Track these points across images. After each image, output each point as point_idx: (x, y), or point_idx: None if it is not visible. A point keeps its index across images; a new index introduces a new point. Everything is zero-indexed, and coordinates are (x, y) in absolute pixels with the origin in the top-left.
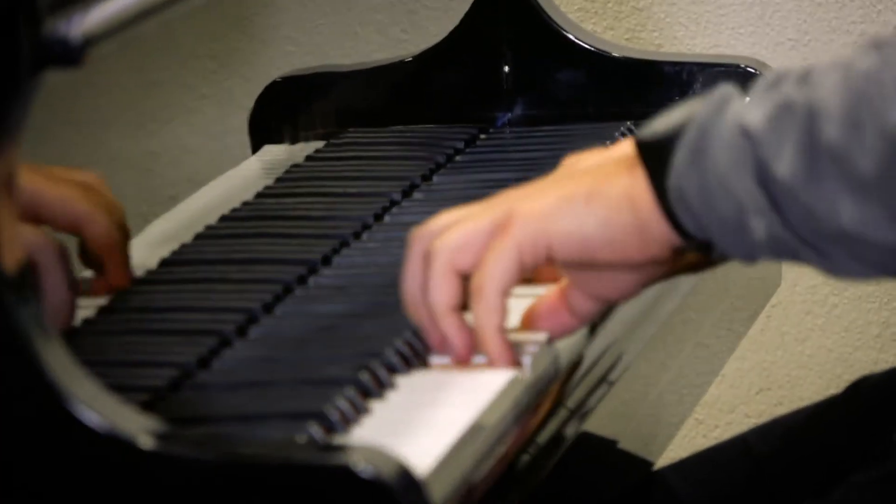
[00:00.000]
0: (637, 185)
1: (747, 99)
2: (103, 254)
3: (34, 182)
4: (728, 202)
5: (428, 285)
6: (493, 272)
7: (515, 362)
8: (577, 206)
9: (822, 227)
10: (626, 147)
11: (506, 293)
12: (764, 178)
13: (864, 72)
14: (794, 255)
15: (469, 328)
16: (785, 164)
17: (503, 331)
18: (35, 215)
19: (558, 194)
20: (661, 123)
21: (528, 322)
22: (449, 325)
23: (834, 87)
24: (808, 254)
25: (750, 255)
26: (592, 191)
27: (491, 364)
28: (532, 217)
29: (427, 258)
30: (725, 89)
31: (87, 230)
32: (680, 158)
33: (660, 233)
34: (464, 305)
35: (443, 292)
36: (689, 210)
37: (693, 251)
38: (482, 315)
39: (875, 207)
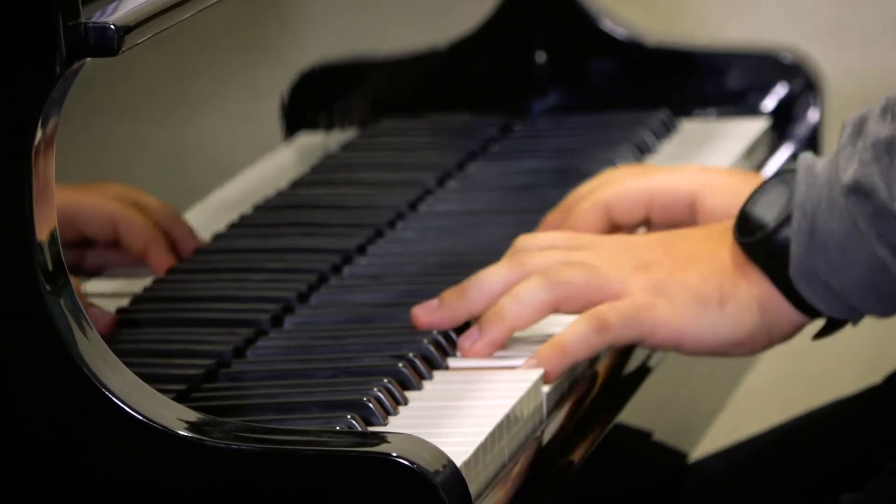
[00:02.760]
0: (759, 286)
1: (832, 155)
2: (145, 252)
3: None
4: (857, 269)
5: (525, 300)
6: (622, 328)
7: None
8: (712, 311)
9: None
10: (724, 230)
11: (607, 347)
12: (882, 230)
13: None
14: None
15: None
16: None
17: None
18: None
19: (692, 294)
20: (758, 216)
21: None
22: (497, 339)
23: None
24: None
25: (893, 307)
26: (724, 294)
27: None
28: (671, 312)
29: (541, 277)
30: (806, 159)
31: (123, 232)
32: (796, 246)
33: (786, 322)
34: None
35: (531, 317)
36: (822, 290)
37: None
38: (583, 344)
39: None
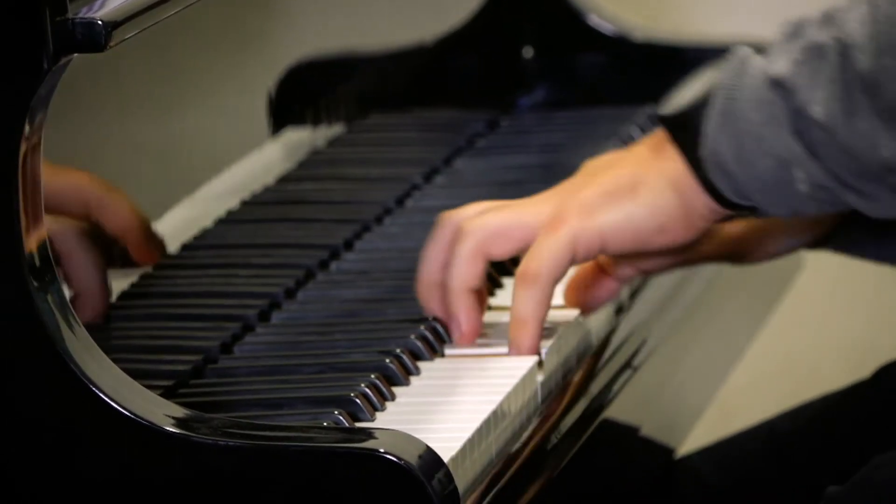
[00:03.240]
0: (673, 164)
1: (766, 53)
2: (123, 234)
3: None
4: (766, 160)
5: (453, 262)
6: (550, 262)
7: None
8: (625, 199)
9: (863, 166)
10: (650, 135)
11: (556, 284)
12: (799, 126)
13: (890, 2)
14: (837, 202)
15: (480, 314)
16: (820, 106)
17: (543, 324)
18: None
19: (601, 189)
20: (684, 98)
21: (575, 292)
22: (462, 305)
23: (861, 19)
24: (850, 197)
25: (793, 210)
26: (635, 180)
27: (518, 353)
28: (581, 212)
29: (457, 237)
30: (741, 51)
31: (101, 213)
32: (710, 126)
33: (703, 206)
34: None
35: (466, 271)
36: (727, 175)
37: (737, 217)
38: (532, 303)
39: None
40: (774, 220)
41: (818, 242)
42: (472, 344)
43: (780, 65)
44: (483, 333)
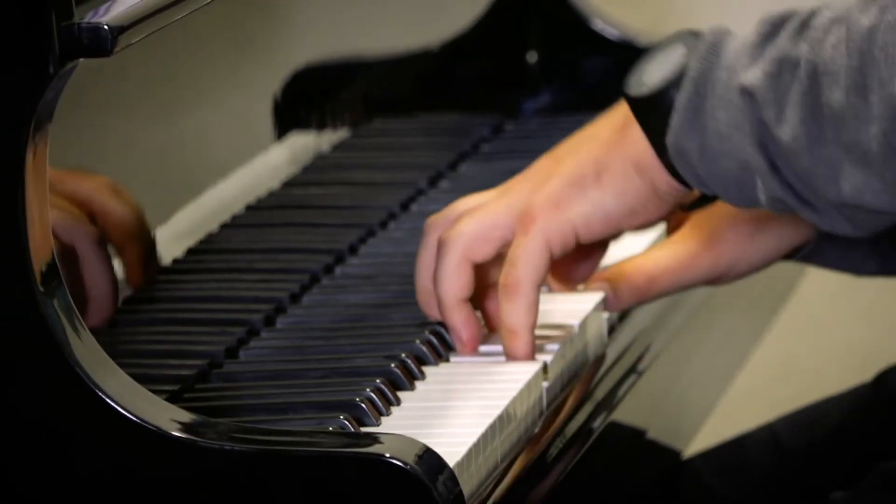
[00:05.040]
0: (637, 146)
1: (739, 43)
2: (123, 240)
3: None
4: (729, 161)
5: (440, 276)
6: (528, 268)
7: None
8: (590, 188)
9: (821, 192)
10: (614, 112)
11: (539, 288)
12: (764, 140)
13: (866, 31)
14: (792, 211)
15: (477, 320)
16: (786, 128)
17: (534, 329)
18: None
19: (566, 179)
20: (651, 74)
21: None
22: (457, 317)
23: (837, 45)
24: (805, 212)
25: (752, 205)
26: (599, 167)
27: (513, 360)
28: (550, 207)
29: (441, 247)
30: (715, 34)
31: (104, 216)
32: (677, 118)
33: (670, 188)
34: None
35: (454, 283)
36: (690, 167)
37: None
38: (519, 312)
39: (875, 177)
40: (744, 244)
41: (787, 256)
42: (475, 352)
43: (751, 74)
44: (488, 337)
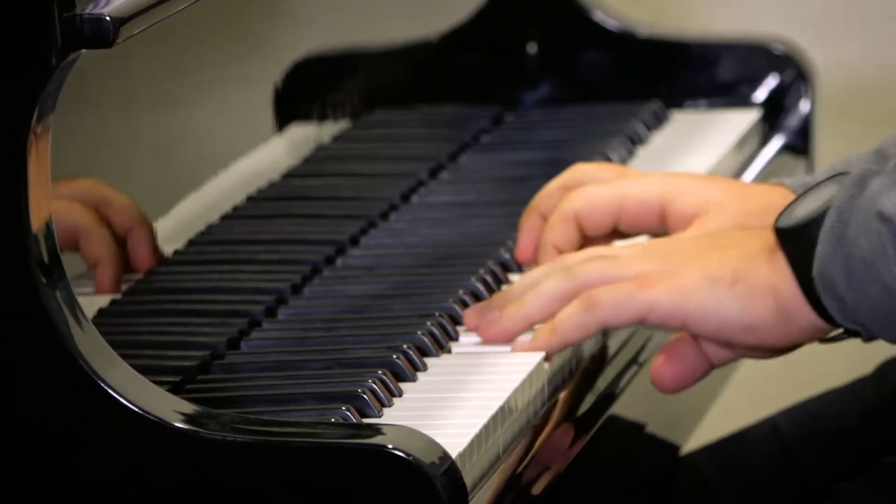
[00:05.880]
0: (779, 273)
1: (884, 174)
2: (126, 232)
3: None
4: (876, 286)
5: (542, 290)
6: (615, 309)
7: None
8: (721, 289)
9: None
10: (766, 226)
11: (604, 327)
12: None
13: None
14: None
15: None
16: None
17: (562, 347)
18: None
19: (704, 273)
20: (801, 209)
21: (665, 361)
22: (512, 327)
23: None
24: None
25: None
26: (738, 275)
27: (528, 349)
28: (675, 288)
29: (562, 271)
30: (863, 169)
31: (82, 243)
32: (822, 247)
33: (804, 320)
34: None
35: (546, 307)
36: (837, 298)
37: (841, 338)
38: (574, 326)
39: None
40: None
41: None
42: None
43: (887, 200)
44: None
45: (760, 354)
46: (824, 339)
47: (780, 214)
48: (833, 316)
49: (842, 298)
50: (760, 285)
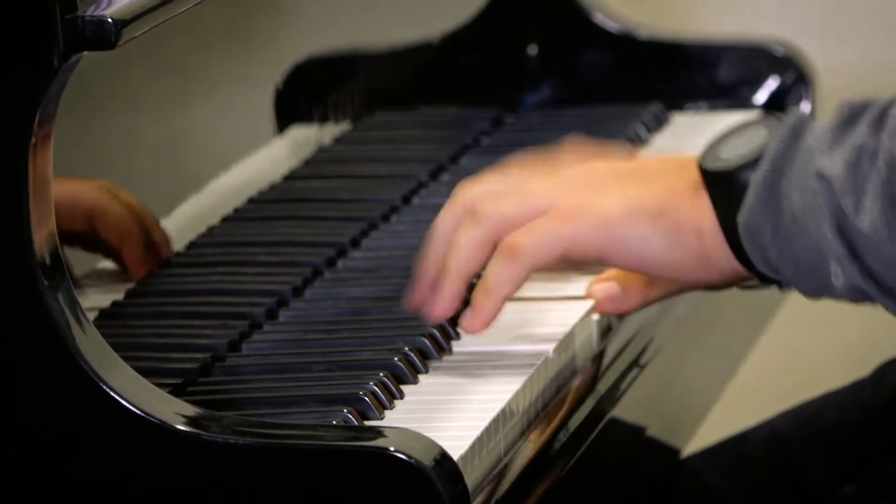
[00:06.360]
0: (703, 214)
1: (819, 128)
2: (119, 245)
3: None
4: (805, 244)
5: (460, 245)
6: (539, 247)
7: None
8: (643, 222)
9: None
10: (687, 159)
11: (534, 270)
12: (843, 226)
13: None
14: (870, 300)
15: (459, 302)
16: (866, 217)
17: (507, 299)
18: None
19: (625, 201)
20: (729, 149)
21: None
22: (450, 291)
23: None
24: (886, 300)
25: (820, 294)
26: (660, 208)
27: (475, 317)
28: (597, 219)
29: (470, 217)
30: (797, 118)
31: (100, 221)
32: (753, 196)
33: (725, 264)
34: None
35: (472, 259)
36: (761, 248)
37: (758, 284)
38: (505, 279)
39: None
40: None
41: None
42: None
43: (829, 160)
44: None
45: (678, 289)
46: (741, 286)
47: (706, 152)
48: (754, 264)
49: (766, 248)
50: (683, 223)
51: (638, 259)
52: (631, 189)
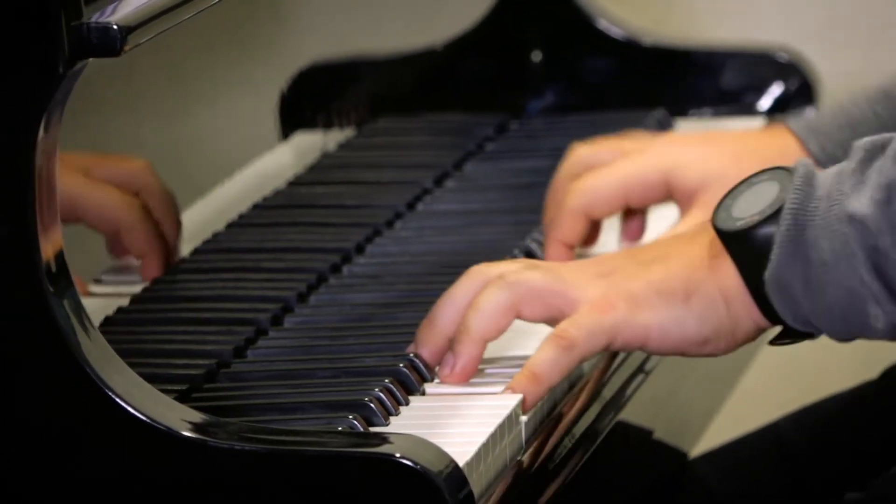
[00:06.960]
0: (728, 278)
1: (835, 171)
2: (140, 257)
3: (70, 183)
4: (836, 290)
5: (484, 307)
6: (588, 340)
7: None
8: (677, 305)
9: None
10: (699, 226)
11: (580, 364)
12: (880, 266)
13: None
14: None
15: (477, 366)
16: None
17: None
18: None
19: (653, 287)
20: (741, 207)
21: None
22: (470, 355)
23: None
24: None
25: (853, 337)
26: (690, 287)
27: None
28: (632, 305)
29: (497, 281)
30: (805, 167)
31: (126, 235)
32: (779, 251)
33: (752, 324)
34: None
35: (493, 322)
36: (793, 302)
37: (791, 341)
38: (554, 368)
39: None
40: None
41: None
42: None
43: (857, 202)
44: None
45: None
46: (775, 342)
47: (718, 213)
48: (784, 319)
49: (797, 302)
50: (713, 295)
51: (676, 342)
52: (655, 273)
